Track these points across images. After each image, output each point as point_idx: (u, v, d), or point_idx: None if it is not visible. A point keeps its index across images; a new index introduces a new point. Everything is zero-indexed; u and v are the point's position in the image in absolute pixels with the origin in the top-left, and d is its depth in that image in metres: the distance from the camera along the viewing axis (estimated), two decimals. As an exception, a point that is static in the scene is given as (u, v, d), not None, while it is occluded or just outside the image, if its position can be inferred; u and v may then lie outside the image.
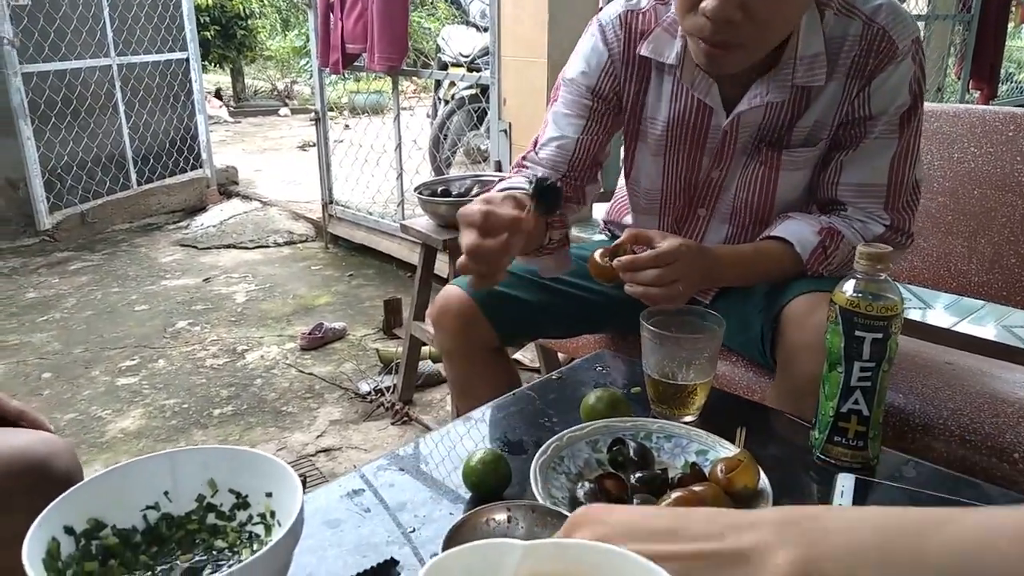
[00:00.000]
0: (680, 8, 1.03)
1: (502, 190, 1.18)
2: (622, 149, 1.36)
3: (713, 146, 1.20)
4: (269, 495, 0.73)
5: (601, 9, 1.27)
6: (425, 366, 2.47)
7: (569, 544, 0.38)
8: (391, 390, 2.38)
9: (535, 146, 1.28)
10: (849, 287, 0.85)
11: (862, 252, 0.84)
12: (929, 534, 0.41)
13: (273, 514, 0.73)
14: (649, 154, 1.27)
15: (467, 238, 0.92)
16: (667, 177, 1.27)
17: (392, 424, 2.24)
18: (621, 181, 1.45)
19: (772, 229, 1.18)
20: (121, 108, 4.26)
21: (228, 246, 3.99)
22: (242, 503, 0.75)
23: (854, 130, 1.14)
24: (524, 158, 1.29)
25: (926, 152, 1.64)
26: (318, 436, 2.19)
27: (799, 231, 1.14)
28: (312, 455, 2.08)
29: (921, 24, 4.65)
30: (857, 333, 0.84)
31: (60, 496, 0.67)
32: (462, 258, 0.93)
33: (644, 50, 1.17)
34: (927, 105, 1.73)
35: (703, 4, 0.97)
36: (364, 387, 2.42)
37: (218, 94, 8.78)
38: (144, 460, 0.72)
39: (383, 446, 2.12)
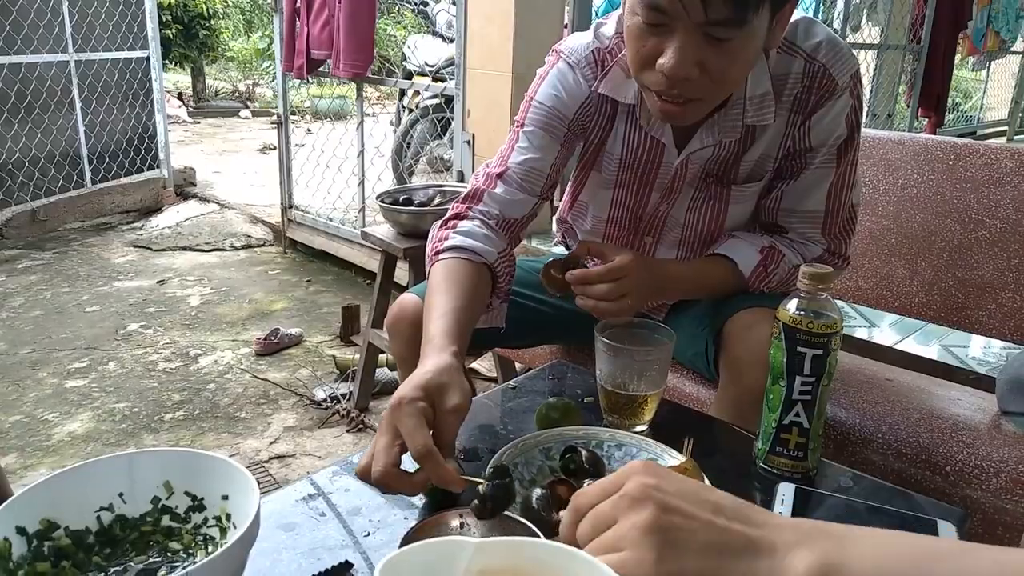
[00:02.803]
0: (634, 64, 1.02)
1: (454, 248, 1.12)
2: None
3: (663, 182, 1.23)
4: (225, 498, 0.74)
5: (566, 29, 1.30)
6: (382, 374, 2.47)
7: (519, 542, 0.40)
8: (347, 397, 2.38)
9: (505, 163, 1.23)
10: (792, 305, 0.89)
11: (805, 272, 0.88)
12: (946, 562, 0.44)
13: (229, 517, 0.74)
14: (599, 186, 1.30)
15: (384, 458, 0.79)
16: (615, 208, 1.30)
17: (347, 431, 2.24)
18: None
19: (717, 247, 1.22)
20: (78, 105, 4.17)
21: (183, 248, 3.93)
22: (198, 506, 0.75)
23: (795, 161, 1.18)
24: (500, 176, 1.22)
25: (872, 177, 1.71)
26: (272, 443, 2.17)
27: (741, 250, 1.19)
28: (265, 461, 2.07)
29: (873, 53, 4.82)
30: (799, 349, 0.88)
31: (13, 496, 0.67)
32: (375, 471, 0.79)
33: (603, 88, 1.18)
34: (875, 132, 1.80)
35: (660, 62, 0.97)
36: (319, 394, 2.42)
37: (180, 96, 8.65)
38: (102, 460, 0.72)
39: (337, 453, 2.12)
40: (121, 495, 0.73)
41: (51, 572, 0.67)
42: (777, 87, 1.13)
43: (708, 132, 1.15)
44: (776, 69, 1.12)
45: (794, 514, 0.85)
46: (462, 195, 1.24)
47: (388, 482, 0.80)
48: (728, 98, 1.11)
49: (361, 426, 2.25)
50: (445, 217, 1.21)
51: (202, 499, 0.75)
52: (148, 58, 4.50)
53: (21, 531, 0.66)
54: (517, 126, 1.25)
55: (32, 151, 4.00)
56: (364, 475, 0.82)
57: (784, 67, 1.12)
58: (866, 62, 4.79)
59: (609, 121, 1.22)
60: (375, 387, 2.42)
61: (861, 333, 2.21)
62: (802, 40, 1.12)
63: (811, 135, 1.15)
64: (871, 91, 4.87)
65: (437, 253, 1.13)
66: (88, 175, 4.29)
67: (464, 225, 1.17)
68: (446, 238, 1.15)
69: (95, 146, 4.31)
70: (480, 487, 0.74)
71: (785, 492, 0.88)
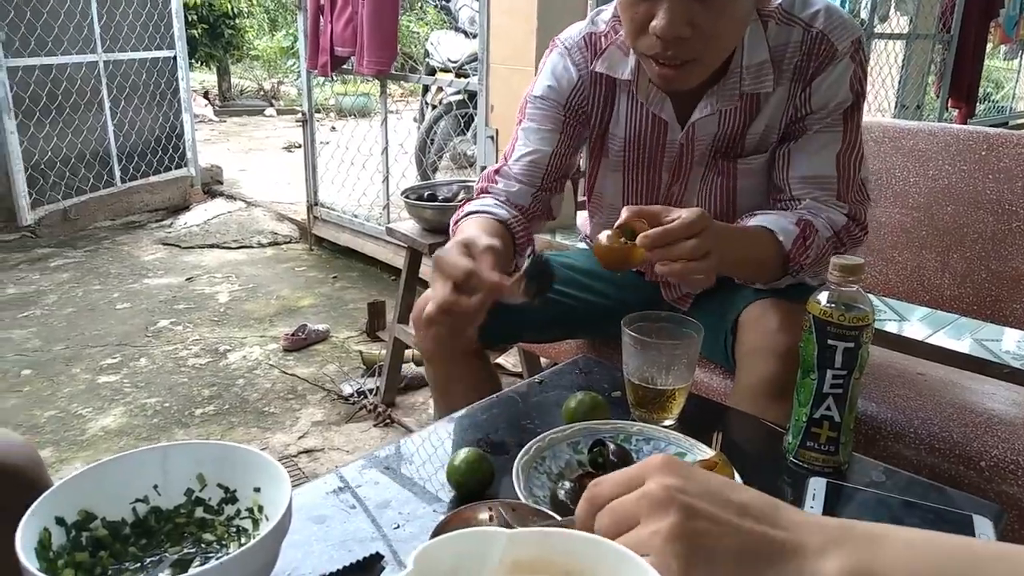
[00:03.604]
0: (630, 32, 1.06)
1: (471, 213, 1.22)
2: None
3: (671, 161, 1.24)
4: (257, 490, 0.75)
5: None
6: (408, 369, 2.48)
7: (551, 532, 0.41)
8: (374, 392, 2.39)
9: (506, 161, 1.30)
10: (823, 297, 0.88)
11: (835, 264, 0.87)
12: (983, 567, 0.43)
13: (261, 509, 0.75)
14: (609, 170, 1.31)
15: (441, 291, 0.88)
16: (628, 194, 1.31)
17: (374, 426, 2.25)
18: None
19: (748, 220, 1.18)
20: (107, 105, 4.24)
21: (211, 246, 3.98)
22: (230, 498, 0.76)
23: (796, 125, 1.18)
24: (497, 172, 1.29)
25: (902, 168, 1.68)
26: (300, 437, 2.19)
27: (778, 222, 1.15)
28: (294, 456, 2.09)
29: (902, 43, 4.75)
30: (830, 342, 0.87)
31: (52, 488, 0.68)
32: (431, 308, 0.90)
33: (599, 67, 1.21)
34: (905, 123, 1.78)
35: (652, 24, 1.01)
36: (347, 389, 2.44)
37: (206, 95, 8.74)
38: (137, 453, 0.74)
39: (365, 448, 2.14)
40: (156, 487, 0.75)
41: (89, 562, 0.68)
42: (776, 57, 1.15)
43: (707, 103, 1.16)
44: (775, 40, 1.14)
45: (825, 509, 0.84)
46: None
47: (448, 308, 0.88)
48: (726, 67, 1.14)
49: (388, 421, 2.27)
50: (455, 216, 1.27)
51: (235, 491, 0.76)
52: (175, 57, 4.56)
53: (60, 521, 0.68)
54: (517, 124, 1.30)
55: (63, 151, 4.07)
56: (425, 321, 0.91)
57: (784, 37, 1.14)
58: (894, 52, 4.72)
59: (608, 103, 1.25)
60: (401, 382, 2.43)
61: (891, 327, 2.18)
62: (799, 10, 1.15)
63: (811, 99, 1.16)
64: (900, 82, 4.80)
65: (456, 223, 1.22)
66: (118, 174, 4.35)
67: (476, 203, 1.25)
68: (461, 212, 1.24)
69: (124, 145, 4.38)
70: (523, 266, 0.87)
71: (816, 486, 0.87)
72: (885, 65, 4.76)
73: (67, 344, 2.77)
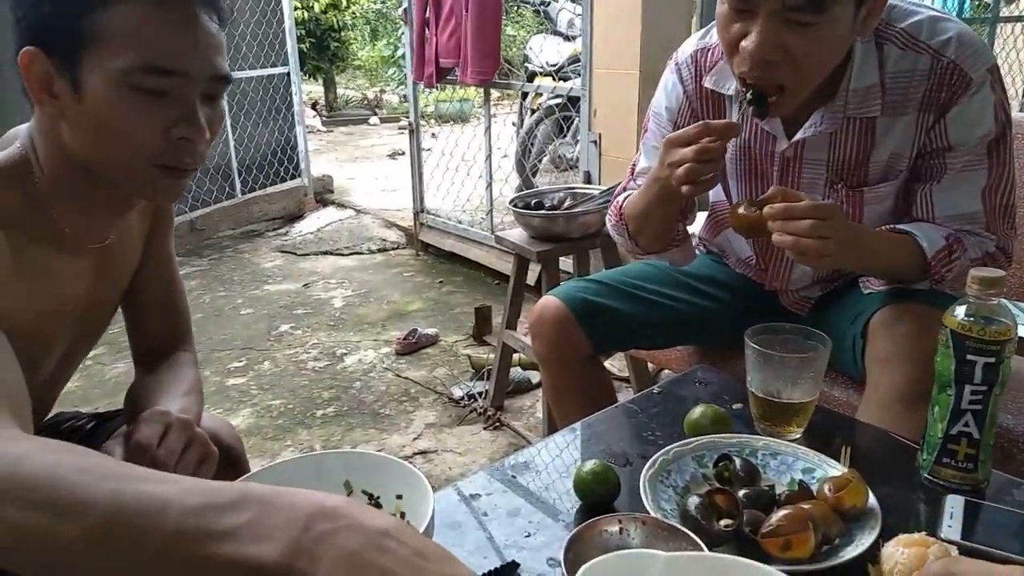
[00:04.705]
0: (725, 49, 1.08)
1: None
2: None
3: (780, 172, 1.24)
4: (399, 497, 0.80)
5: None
6: (516, 373, 2.53)
7: (708, 557, 0.42)
8: (483, 395, 2.45)
9: (632, 174, 1.39)
10: (960, 311, 0.85)
11: (974, 276, 0.84)
12: None
13: (403, 515, 0.79)
14: (725, 179, 1.33)
15: (686, 150, 1.06)
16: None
17: (484, 429, 2.31)
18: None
19: (900, 226, 1.17)
20: (227, 120, 4.49)
21: (325, 252, 4.16)
22: (375, 503, 0.81)
23: (934, 161, 1.14)
24: (624, 189, 1.39)
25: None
26: (414, 438, 2.27)
27: (927, 231, 1.13)
28: (409, 457, 2.17)
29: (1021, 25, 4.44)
30: (969, 357, 0.84)
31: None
32: (682, 170, 1.06)
33: (707, 82, 1.25)
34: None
35: (743, 44, 1.02)
36: (457, 392, 2.51)
37: (314, 106, 9.12)
38: (293, 460, 0.80)
39: (477, 450, 2.19)
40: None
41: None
42: (900, 84, 1.11)
43: (812, 123, 1.16)
44: (897, 65, 1.11)
45: (964, 528, 0.82)
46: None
47: (698, 155, 1.06)
48: (837, 89, 1.12)
49: (498, 424, 2.32)
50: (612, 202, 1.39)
51: (378, 497, 0.81)
52: (288, 73, 4.79)
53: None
54: (642, 137, 1.40)
55: (190, 166, 4.33)
56: (689, 175, 1.07)
57: (909, 64, 1.11)
58: (1022, 36, 4.42)
59: (719, 116, 1.27)
60: (509, 386, 2.48)
61: (1020, 331, 2.05)
62: (928, 37, 1.10)
63: (948, 133, 1.12)
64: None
65: (620, 207, 1.34)
66: (238, 186, 4.61)
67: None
68: (618, 201, 1.36)
69: (243, 158, 4.63)
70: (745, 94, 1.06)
71: (954, 505, 0.85)
72: (1012, 49, 4.48)
73: (198, 348, 2.96)
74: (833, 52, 1.05)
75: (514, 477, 0.97)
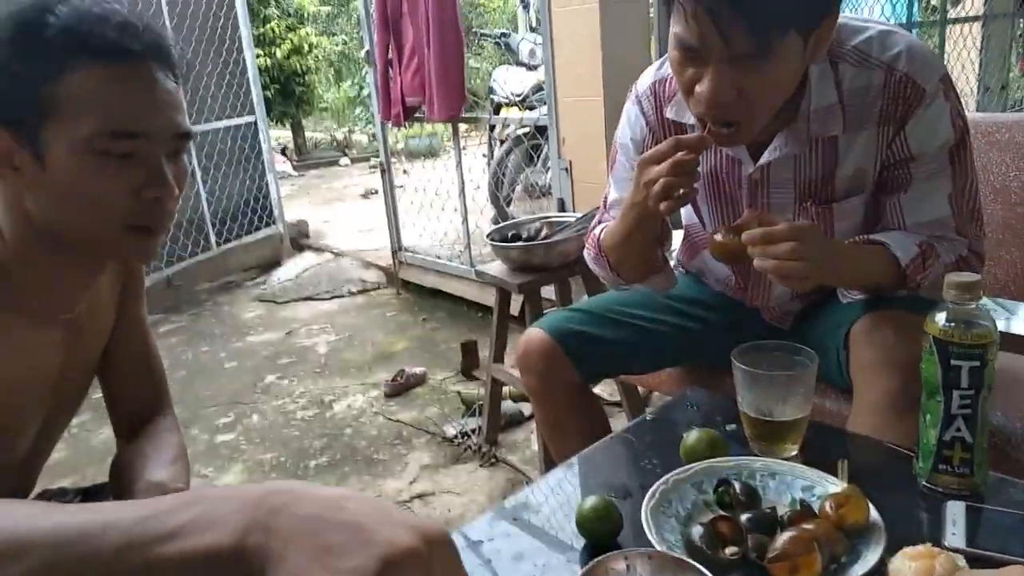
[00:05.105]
0: (682, 93, 1.10)
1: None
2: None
3: (749, 195, 1.25)
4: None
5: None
6: (508, 406, 2.52)
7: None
8: (476, 432, 2.44)
9: (605, 207, 1.41)
10: (941, 318, 0.86)
11: (952, 282, 0.85)
12: None
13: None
14: (696, 203, 1.34)
15: (660, 166, 1.07)
16: (714, 225, 1.34)
17: (481, 466, 2.29)
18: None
19: (872, 236, 1.18)
20: (198, 174, 4.48)
21: (305, 298, 4.14)
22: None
23: (899, 172, 1.17)
24: (599, 222, 1.41)
25: (1000, 163, 1.62)
26: (411, 482, 2.25)
27: (900, 240, 1.14)
28: (407, 501, 2.14)
29: (978, 25, 4.57)
30: (953, 362, 0.85)
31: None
32: (658, 185, 1.07)
33: (668, 113, 1.27)
34: (1001, 116, 1.72)
35: (697, 89, 1.04)
36: (450, 430, 2.49)
37: (284, 151, 9.12)
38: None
39: (475, 488, 2.17)
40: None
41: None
42: (856, 100, 1.13)
43: (776, 145, 1.18)
44: (853, 83, 1.13)
45: (968, 534, 0.82)
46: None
47: (674, 168, 1.07)
48: (797, 111, 1.15)
49: (494, 460, 2.30)
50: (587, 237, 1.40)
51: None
52: (256, 121, 4.79)
53: None
54: (609, 170, 1.42)
55: (163, 222, 4.31)
56: (667, 189, 1.08)
57: (864, 80, 1.13)
58: (971, 36, 4.54)
59: None
60: (502, 420, 2.47)
61: (999, 324, 2.08)
62: (879, 52, 1.12)
63: (909, 144, 1.14)
64: (980, 64, 4.60)
65: (597, 238, 1.34)
66: (213, 238, 4.59)
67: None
68: (593, 235, 1.36)
69: (216, 210, 4.61)
70: None
71: (955, 511, 0.85)
72: (963, 49, 4.59)
73: (184, 406, 2.92)
74: (787, 84, 1.07)
75: (516, 520, 0.96)
